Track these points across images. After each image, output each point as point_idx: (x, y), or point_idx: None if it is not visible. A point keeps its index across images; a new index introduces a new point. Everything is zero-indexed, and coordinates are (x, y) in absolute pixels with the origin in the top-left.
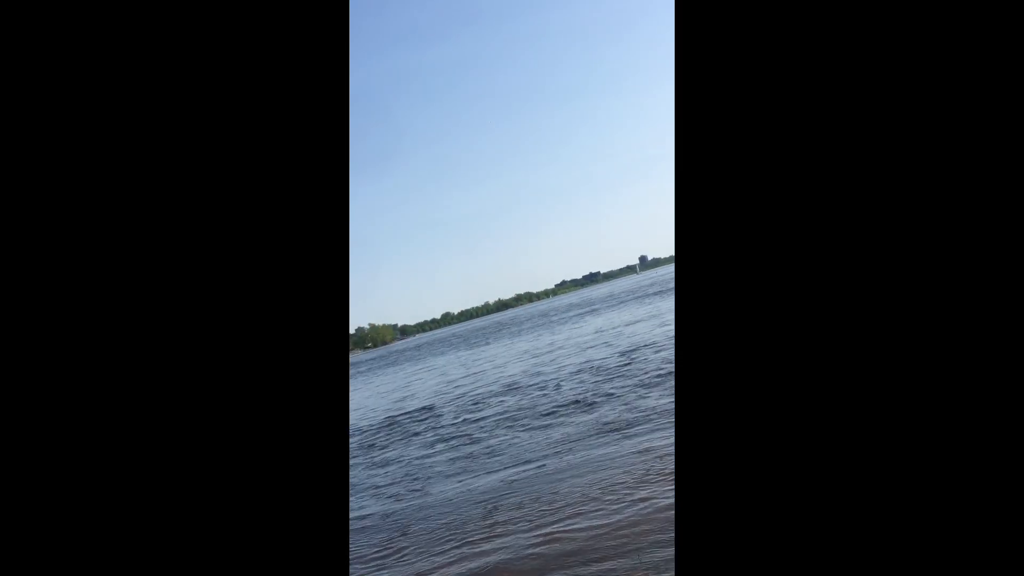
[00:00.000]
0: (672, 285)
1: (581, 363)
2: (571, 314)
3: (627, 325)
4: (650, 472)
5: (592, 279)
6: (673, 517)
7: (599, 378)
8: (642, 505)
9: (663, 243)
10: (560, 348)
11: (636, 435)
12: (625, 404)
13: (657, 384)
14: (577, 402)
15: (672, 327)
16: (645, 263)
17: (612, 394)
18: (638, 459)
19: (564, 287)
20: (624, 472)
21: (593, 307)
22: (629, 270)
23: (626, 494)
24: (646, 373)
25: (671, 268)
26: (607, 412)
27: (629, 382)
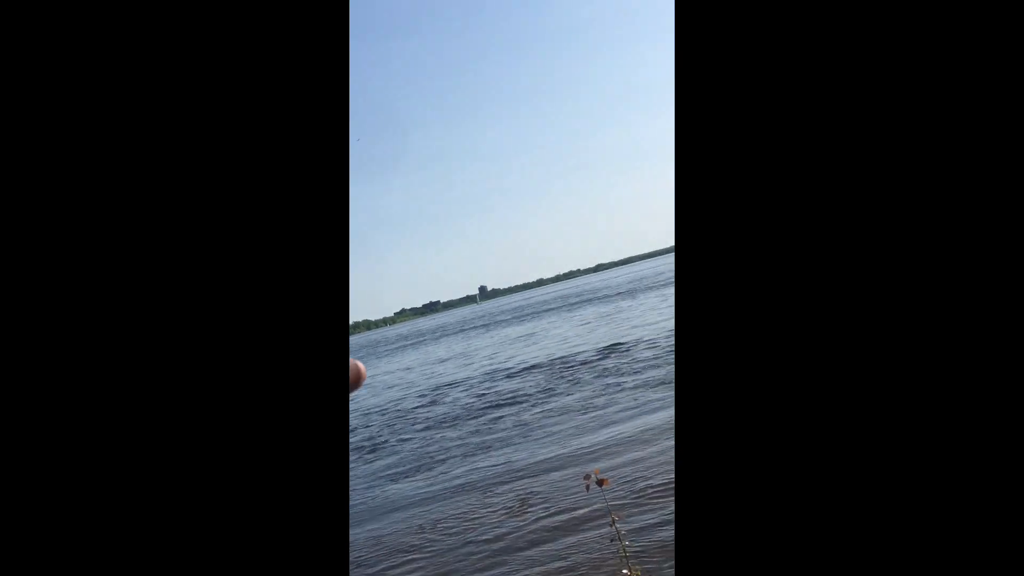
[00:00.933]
0: (499, 318)
1: (377, 405)
2: (397, 346)
3: (436, 364)
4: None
5: (432, 308)
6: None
7: (387, 420)
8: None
9: (502, 274)
10: (368, 385)
11: (433, 474)
12: (412, 449)
13: (444, 426)
14: (363, 448)
15: (477, 366)
16: (485, 293)
17: (403, 439)
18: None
19: (404, 315)
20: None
21: (420, 339)
22: (469, 299)
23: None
24: (436, 416)
25: (508, 299)
26: (391, 459)
27: (418, 426)
